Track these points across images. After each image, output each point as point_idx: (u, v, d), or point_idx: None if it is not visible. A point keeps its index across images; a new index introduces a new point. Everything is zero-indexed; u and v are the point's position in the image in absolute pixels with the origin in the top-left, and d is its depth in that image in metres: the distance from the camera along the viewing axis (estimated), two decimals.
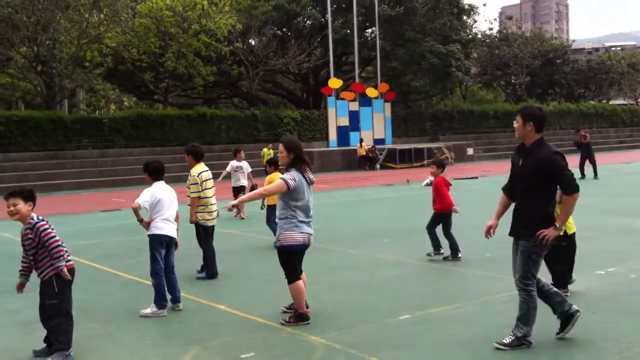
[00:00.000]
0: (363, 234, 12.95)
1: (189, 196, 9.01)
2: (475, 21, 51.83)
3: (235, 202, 6.89)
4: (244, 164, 16.20)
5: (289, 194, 6.51)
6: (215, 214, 9.17)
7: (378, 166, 36.28)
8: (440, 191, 10.15)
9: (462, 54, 45.06)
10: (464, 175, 28.13)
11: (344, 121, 40.48)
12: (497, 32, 61.78)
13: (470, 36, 50.05)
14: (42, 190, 23.99)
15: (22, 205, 5.76)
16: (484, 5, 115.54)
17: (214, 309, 7.48)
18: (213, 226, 9.27)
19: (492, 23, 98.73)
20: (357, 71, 43.10)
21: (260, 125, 38.27)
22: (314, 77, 48.61)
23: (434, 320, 6.69)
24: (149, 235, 7.60)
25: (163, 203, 7.70)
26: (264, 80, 45.29)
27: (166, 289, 7.40)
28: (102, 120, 33.44)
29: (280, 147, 6.71)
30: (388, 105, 42.66)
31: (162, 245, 7.54)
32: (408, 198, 20.56)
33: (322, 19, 44.77)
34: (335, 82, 40.19)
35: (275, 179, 11.74)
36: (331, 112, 40.09)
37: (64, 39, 33.87)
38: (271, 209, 11.07)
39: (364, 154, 36.80)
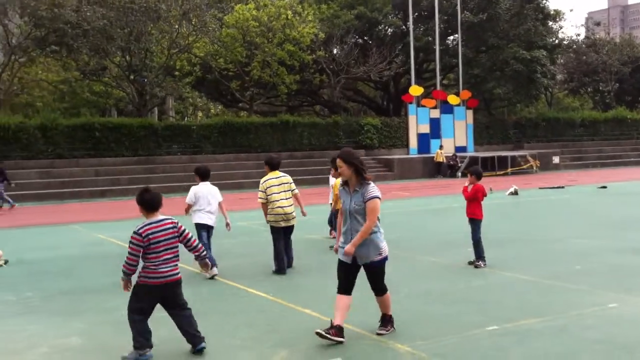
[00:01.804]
0: (444, 242, 12.91)
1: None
2: (562, 27, 50.40)
3: (348, 247, 6.41)
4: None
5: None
6: (281, 216, 10.15)
7: (459, 174, 35.87)
8: (478, 198, 10.24)
9: (548, 60, 43.95)
10: (550, 185, 27.46)
11: (425, 128, 40.27)
12: (584, 38, 59.83)
13: (556, 42, 48.74)
14: (133, 194, 25.05)
15: (139, 209, 6.14)
16: (571, 10, 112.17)
17: (300, 313, 7.69)
18: (285, 227, 10.24)
19: (578, 28, 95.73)
20: (438, 78, 42.81)
21: (341, 133, 38.61)
22: (395, 85, 48.58)
23: (523, 332, 6.61)
24: (194, 223, 10.01)
25: (202, 199, 10.05)
26: (345, 88, 45.67)
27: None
28: (191, 127, 34.67)
29: (339, 161, 6.40)
30: (470, 113, 42.13)
31: (203, 229, 10.06)
32: (491, 207, 20.24)
33: (404, 27, 44.73)
34: (416, 90, 40.06)
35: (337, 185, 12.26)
36: (412, 119, 39.98)
37: (155, 49, 35.37)
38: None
39: (441, 160, 36.47)
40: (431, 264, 10.66)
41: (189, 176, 31.29)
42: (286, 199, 10.17)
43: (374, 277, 6.72)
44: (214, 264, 9.77)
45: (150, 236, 5.92)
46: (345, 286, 6.66)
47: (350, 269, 6.64)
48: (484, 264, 10.04)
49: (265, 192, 10.09)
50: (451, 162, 36.85)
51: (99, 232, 16.16)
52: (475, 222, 10.26)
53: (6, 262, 11.70)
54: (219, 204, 10.25)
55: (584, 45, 57.18)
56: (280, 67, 37.77)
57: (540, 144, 45.56)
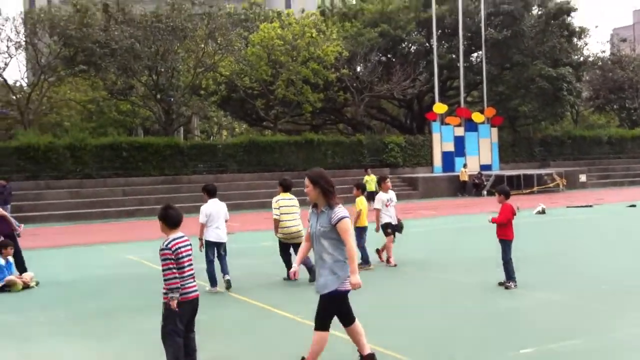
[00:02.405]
0: (474, 262, 12.81)
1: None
2: (587, 43, 49.84)
3: (354, 280, 6.02)
4: (393, 195, 13.06)
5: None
6: (292, 234, 11.15)
7: (485, 192, 35.61)
8: (500, 212, 10.18)
9: (574, 77, 43.60)
10: (578, 204, 27.15)
11: (449, 146, 40.12)
12: (609, 55, 59.30)
13: (581, 59, 48.38)
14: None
15: (160, 225, 6.10)
16: (596, 27, 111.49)
17: (330, 335, 7.68)
18: (292, 243, 11.20)
19: (604, 45, 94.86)
20: (462, 96, 42.71)
21: (365, 151, 38.62)
22: (419, 103, 48.54)
23: (558, 355, 6.56)
24: (206, 240, 10.61)
25: (213, 215, 10.55)
26: (369, 106, 45.73)
27: (216, 273, 10.60)
28: (217, 146, 34.93)
29: (306, 181, 6.12)
30: (495, 130, 41.90)
31: (213, 246, 10.65)
32: (518, 226, 20.01)
33: (427, 44, 44.76)
34: (440, 107, 39.99)
35: (360, 204, 12.43)
36: (436, 137, 39.87)
37: (181, 68, 35.80)
38: (360, 230, 12.37)
39: (466, 179, 36.24)
40: (462, 285, 10.58)
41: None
42: (294, 219, 11.19)
43: (318, 307, 6.17)
44: (226, 273, 10.84)
45: (178, 251, 5.94)
46: (346, 318, 6.34)
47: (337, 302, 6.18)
48: (515, 285, 9.94)
49: (279, 209, 11.07)
50: (476, 181, 36.62)
51: (128, 252, 16.30)
52: (505, 242, 10.15)
53: (37, 283, 11.84)
54: (227, 220, 10.86)
55: (609, 62, 56.65)
56: (305, 85, 37.97)
57: (566, 162, 45.09)
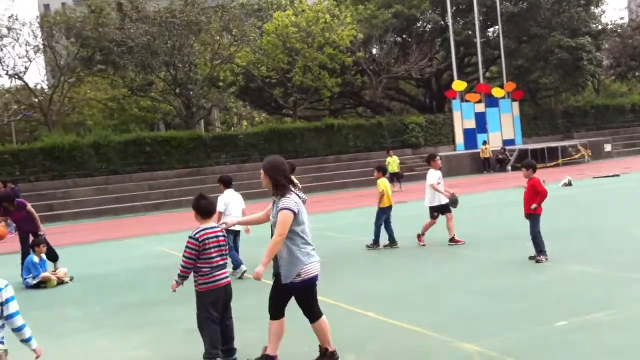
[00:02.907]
0: (501, 238, 12.78)
1: None
2: (604, 11, 49.02)
3: (258, 268, 5.75)
4: (440, 175, 12.69)
5: (295, 219, 5.72)
6: None
7: (509, 168, 35.36)
8: (537, 189, 9.98)
9: (593, 46, 42.98)
10: (605, 174, 26.86)
11: (470, 124, 39.84)
12: (628, 21, 58.22)
13: (600, 27, 47.62)
14: (186, 205, 25.55)
15: (194, 214, 6.26)
16: None
17: (364, 316, 7.75)
18: None
19: (621, 11, 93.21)
20: (481, 72, 42.31)
21: (386, 133, 38.52)
22: (437, 81, 48.22)
23: (592, 327, 6.53)
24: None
25: (231, 205, 10.82)
26: (387, 88, 45.53)
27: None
28: (238, 136, 35.12)
29: (262, 170, 5.95)
30: (516, 105, 41.50)
31: (231, 234, 10.62)
32: (545, 200, 19.95)
33: (442, 22, 44.39)
34: (459, 85, 39.69)
35: (382, 185, 12.42)
36: (456, 115, 39.62)
37: (198, 61, 35.95)
38: (382, 211, 12.54)
39: (488, 156, 35.96)
40: (491, 260, 10.57)
41: (238, 185, 31.71)
42: None
43: (297, 301, 5.95)
44: (241, 263, 10.98)
45: (206, 241, 6.05)
46: (274, 309, 6.00)
47: (280, 290, 5.94)
48: (546, 258, 9.89)
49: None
50: (500, 156, 36.35)
51: (157, 244, 16.51)
52: (535, 216, 10.03)
53: (71, 278, 12.06)
54: (243, 210, 11.01)
55: (629, 29, 55.65)
56: (322, 71, 37.92)
57: (590, 132, 44.56)
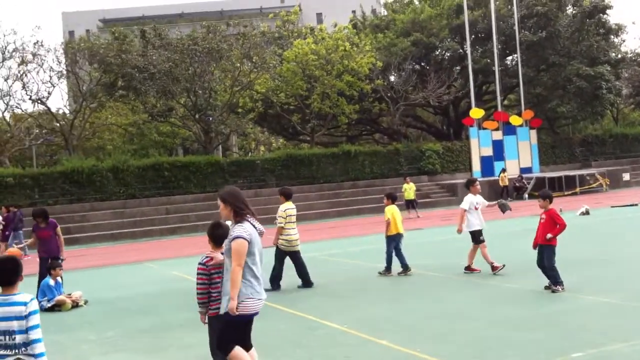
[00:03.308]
0: (519, 267, 12.64)
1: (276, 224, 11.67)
2: (624, 40, 49.07)
3: (232, 304, 5.55)
4: (481, 198, 12.53)
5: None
6: (292, 242, 11.74)
7: (526, 196, 35.13)
8: (557, 221, 9.80)
9: (612, 75, 42.88)
10: (623, 203, 26.60)
11: (488, 151, 39.73)
12: None
13: (619, 56, 47.55)
14: (202, 230, 25.64)
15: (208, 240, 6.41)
16: (633, 23, 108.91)
17: (377, 344, 7.71)
18: (291, 251, 11.78)
19: None
20: (499, 100, 42.29)
21: (403, 160, 38.54)
22: (454, 109, 48.29)
23: (609, 358, 6.47)
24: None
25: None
26: (404, 115, 45.66)
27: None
28: (255, 161, 35.33)
29: (218, 200, 5.88)
30: (533, 133, 41.36)
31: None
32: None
33: (461, 50, 44.57)
34: (476, 112, 39.69)
35: (389, 213, 12.55)
36: (474, 142, 39.54)
37: (219, 88, 36.39)
38: (391, 239, 12.62)
39: (507, 184, 35.75)
40: (507, 289, 10.49)
41: (255, 210, 31.69)
42: (295, 228, 11.83)
43: (222, 334, 5.78)
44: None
45: (213, 267, 6.20)
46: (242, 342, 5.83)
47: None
48: (562, 288, 9.78)
49: (285, 218, 11.63)
50: (517, 184, 36.16)
51: (173, 269, 16.56)
52: (550, 248, 9.87)
53: (86, 302, 12.10)
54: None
55: None
56: (340, 97, 38.18)
57: (608, 161, 44.24)
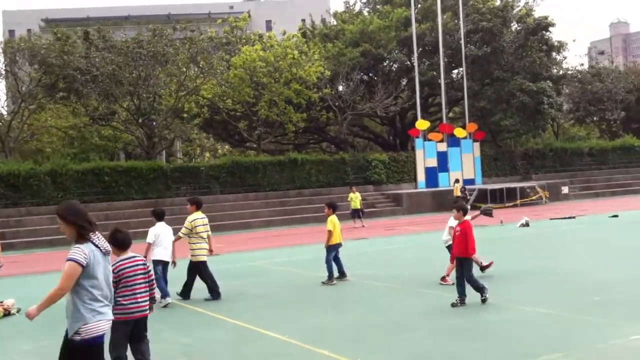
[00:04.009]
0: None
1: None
2: (565, 57, 50.54)
3: (31, 309, 5.39)
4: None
5: (83, 272, 5.16)
6: (196, 253, 11.59)
7: (468, 207, 35.65)
8: (468, 235, 9.76)
9: (554, 90, 44.14)
10: (561, 215, 27.29)
11: (433, 162, 40.30)
12: (588, 67, 60.12)
13: (561, 72, 49.01)
14: (142, 237, 25.03)
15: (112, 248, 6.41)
16: (574, 41, 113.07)
17: (318, 354, 7.57)
18: (203, 261, 11.64)
19: (582, 58, 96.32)
20: (444, 112, 43.00)
21: (349, 169, 38.68)
22: (401, 120, 48.84)
23: None
24: (153, 259, 10.96)
25: (162, 237, 11.33)
26: (352, 125, 45.89)
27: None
28: (199, 168, 34.81)
29: (57, 218, 5.37)
30: (477, 145, 42.19)
31: (159, 264, 11.26)
32: (503, 240, 20.16)
33: (408, 62, 45.14)
34: (422, 124, 40.22)
35: (330, 224, 12.63)
36: (419, 153, 40.05)
37: (164, 92, 35.77)
38: (332, 248, 12.74)
39: (459, 194, 36.27)
40: (450, 299, 10.50)
41: None
42: (206, 239, 11.61)
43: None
44: (166, 295, 11.19)
45: (121, 272, 6.40)
46: None
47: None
48: (486, 294, 9.78)
49: (191, 229, 11.48)
50: (460, 195, 36.71)
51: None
52: (467, 260, 9.79)
53: (19, 310, 11.62)
54: (173, 242, 11.58)
55: (588, 75, 57.46)
56: (287, 105, 38.08)
57: (548, 174, 45.43)
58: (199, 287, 13.54)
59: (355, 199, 28.57)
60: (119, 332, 6.34)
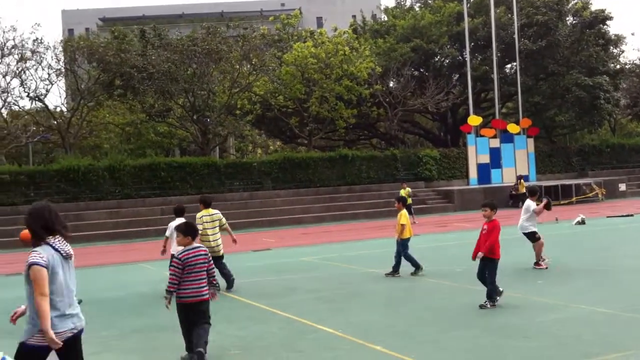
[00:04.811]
0: (514, 275, 12.67)
1: None
2: (623, 51, 49.07)
3: (50, 336, 4.91)
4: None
5: None
6: (210, 249, 11.51)
7: (521, 203, 35.10)
8: (493, 235, 9.64)
9: (611, 85, 43.02)
10: (618, 213, 26.63)
11: (485, 158, 39.80)
12: None
13: (618, 67, 47.69)
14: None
15: (180, 238, 7.50)
16: (632, 34, 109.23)
17: (371, 350, 7.67)
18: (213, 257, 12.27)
19: None
20: (497, 107, 42.38)
21: (400, 165, 38.55)
22: (452, 115, 48.35)
23: None
24: (172, 253, 11.52)
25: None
26: (402, 120, 45.67)
27: None
28: (252, 164, 35.26)
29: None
30: (531, 141, 41.44)
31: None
32: (559, 238, 19.81)
33: (460, 57, 44.64)
34: (474, 120, 39.75)
35: (404, 218, 12.82)
36: (471, 149, 39.60)
37: (217, 89, 36.33)
38: (406, 241, 13.05)
39: (524, 191, 35.64)
40: (503, 298, 10.41)
41: (250, 212, 31.85)
42: (213, 234, 12.15)
43: None
44: None
45: (187, 260, 7.26)
46: None
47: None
48: (492, 305, 9.55)
49: (202, 224, 11.99)
50: (513, 192, 36.18)
51: (167, 269, 16.47)
52: (493, 262, 9.65)
53: (80, 301, 11.94)
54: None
55: None
56: (338, 102, 38.20)
57: (605, 171, 44.32)
58: (248, 282, 13.83)
59: (406, 195, 28.47)
60: (181, 315, 7.36)
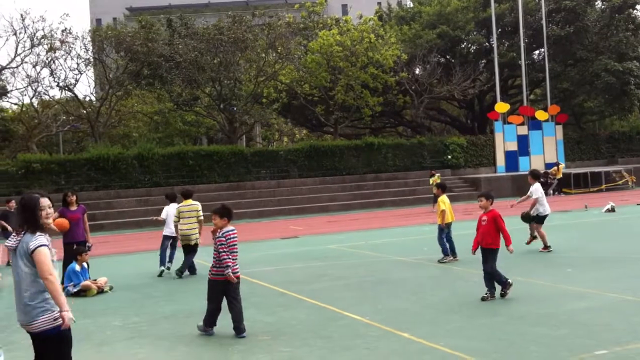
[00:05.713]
0: (542, 262, 12.63)
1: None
2: None
3: (66, 321, 4.99)
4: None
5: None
6: (185, 237, 13.30)
7: (551, 191, 34.80)
8: (499, 225, 9.42)
9: None
10: None
11: (513, 146, 39.44)
12: None
13: None
14: None
15: (218, 220, 8.21)
16: None
17: (399, 337, 7.74)
18: (188, 244, 13.37)
19: None
20: (525, 94, 41.90)
21: (426, 153, 38.41)
22: (479, 102, 47.93)
23: (634, 357, 6.42)
24: (164, 235, 14.17)
25: (169, 217, 13.87)
26: (428, 108, 45.44)
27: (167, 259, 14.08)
28: (279, 152, 35.43)
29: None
30: (559, 128, 40.96)
31: (169, 239, 14.11)
32: (588, 225, 19.64)
33: (487, 44, 44.19)
34: (502, 107, 39.37)
35: (442, 203, 12.96)
36: (498, 137, 39.26)
37: (244, 78, 36.50)
38: (447, 226, 13.26)
39: (560, 176, 35.34)
40: (528, 285, 10.43)
41: (277, 200, 32.08)
42: (189, 223, 13.13)
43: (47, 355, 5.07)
44: (162, 264, 14.03)
45: (230, 240, 8.13)
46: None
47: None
48: (491, 296, 9.40)
49: (178, 216, 13.20)
50: (542, 180, 35.77)
51: (197, 257, 16.68)
52: (493, 252, 9.44)
53: (111, 288, 12.26)
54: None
55: None
56: (364, 90, 38.13)
57: (635, 158, 43.65)
58: (276, 269, 13.98)
59: (433, 182, 28.43)
60: (216, 290, 8.15)
